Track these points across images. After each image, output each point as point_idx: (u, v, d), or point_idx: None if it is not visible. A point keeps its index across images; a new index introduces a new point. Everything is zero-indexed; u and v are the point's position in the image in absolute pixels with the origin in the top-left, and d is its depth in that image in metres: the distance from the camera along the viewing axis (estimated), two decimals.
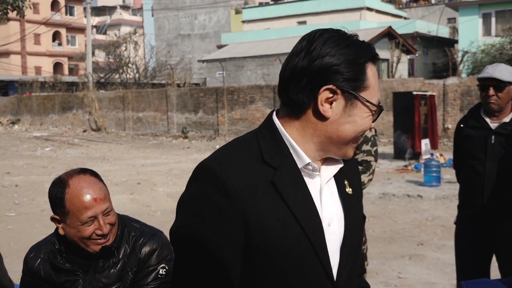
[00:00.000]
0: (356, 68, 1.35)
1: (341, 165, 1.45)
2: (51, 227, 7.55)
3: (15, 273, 2.43)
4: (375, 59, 1.41)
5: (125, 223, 2.14)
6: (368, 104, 1.37)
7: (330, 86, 1.33)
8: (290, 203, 1.33)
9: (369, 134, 3.57)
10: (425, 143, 14.47)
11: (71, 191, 1.95)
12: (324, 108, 1.35)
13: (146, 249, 2.09)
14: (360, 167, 3.55)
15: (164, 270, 2.08)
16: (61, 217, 2.00)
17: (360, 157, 3.55)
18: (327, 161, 1.44)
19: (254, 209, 1.30)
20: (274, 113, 1.43)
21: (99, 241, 1.99)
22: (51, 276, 2.07)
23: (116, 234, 2.06)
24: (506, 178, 3.32)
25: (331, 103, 1.35)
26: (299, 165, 1.37)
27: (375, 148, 3.59)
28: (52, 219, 2.04)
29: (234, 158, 1.35)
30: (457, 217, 3.63)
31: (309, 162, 1.37)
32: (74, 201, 1.94)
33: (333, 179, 1.45)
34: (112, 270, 2.05)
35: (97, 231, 1.97)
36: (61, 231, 2.02)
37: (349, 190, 1.47)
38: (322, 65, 1.33)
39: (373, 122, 1.42)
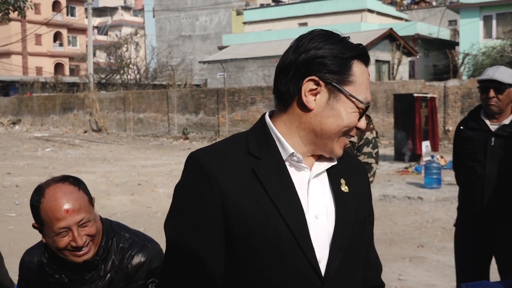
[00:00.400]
0: (340, 62, 1.38)
1: (334, 163, 1.46)
2: None
3: (16, 273, 2.42)
4: (363, 57, 1.43)
5: (114, 233, 2.05)
6: (353, 99, 1.39)
7: (313, 77, 1.37)
8: (270, 191, 1.35)
9: (370, 136, 3.57)
10: (425, 145, 14.47)
11: (45, 201, 1.88)
12: (308, 99, 1.38)
13: (133, 263, 2.00)
14: None
15: (154, 285, 1.99)
16: (39, 226, 1.94)
17: (361, 159, 3.55)
18: (320, 158, 1.45)
19: (233, 195, 1.33)
20: (267, 112, 1.48)
21: (76, 253, 1.90)
22: (41, 286, 2.04)
23: (99, 246, 1.97)
24: (506, 180, 3.32)
25: (315, 95, 1.38)
26: (284, 156, 1.39)
27: (376, 150, 3.59)
28: (34, 226, 1.98)
29: (220, 148, 1.42)
30: (457, 219, 3.63)
31: (293, 152, 1.39)
32: (47, 212, 1.87)
33: (326, 175, 1.46)
34: (99, 283, 1.98)
35: (72, 242, 1.88)
36: (43, 239, 1.97)
37: (344, 188, 1.47)
38: (307, 57, 1.37)
39: (359, 119, 1.42)
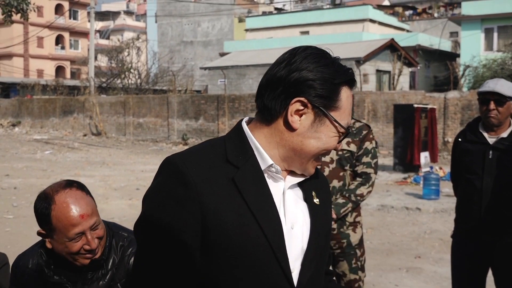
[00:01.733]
0: (330, 87, 1.39)
1: (307, 176, 1.49)
2: None
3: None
4: (351, 83, 1.45)
5: (112, 232, 2.10)
6: (336, 124, 1.41)
7: (302, 99, 1.38)
8: (250, 202, 1.35)
9: (369, 146, 3.57)
10: (424, 156, 14.47)
11: (57, 208, 1.90)
12: (293, 119, 1.39)
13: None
14: (359, 179, 3.55)
15: None
16: (47, 233, 1.96)
17: (360, 169, 3.55)
18: (292, 172, 1.48)
19: (213, 204, 1.33)
20: (244, 119, 1.48)
21: (87, 255, 1.96)
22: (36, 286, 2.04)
23: (104, 246, 2.03)
24: (503, 193, 3.32)
25: (300, 116, 1.39)
26: (262, 167, 1.40)
27: (375, 160, 3.59)
28: (39, 233, 2.00)
29: (198, 155, 1.40)
30: (454, 230, 3.63)
31: (272, 164, 1.41)
32: (61, 219, 1.89)
33: (298, 188, 1.49)
34: (101, 282, 2.03)
35: (85, 246, 1.93)
36: (48, 245, 1.99)
37: (316, 200, 1.50)
38: (299, 77, 1.38)
39: (338, 143, 1.45)
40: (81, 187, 1.99)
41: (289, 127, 1.40)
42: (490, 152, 3.37)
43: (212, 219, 1.33)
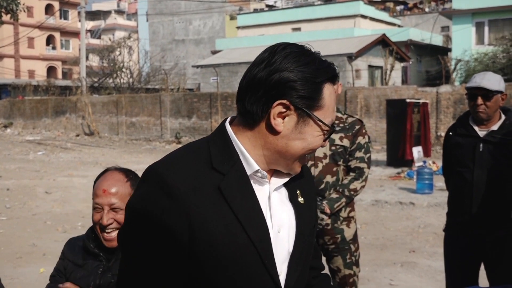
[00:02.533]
0: (312, 87, 1.36)
1: (292, 176, 1.47)
2: (42, 232, 7.55)
3: (6, 277, 2.42)
4: (334, 79, 1.42)
5: None
6: (320, 123, 1.39)
7: (284, 101, 1.34)
8: (236, 210, 1.33)
9: (362, 141, 3.57)
10: (417, 151, 14.51)
11: (101, 178, 2.16)
12: (276, 122, 1.36)
13: None
14: (352, 174, 3.56)
15: None
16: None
17: (353, 163, 3.56)
18: (276, 171, 1.46)
19: (199, 213, 1.30)
20: (228, 120, 1.45)
21: (105, 234, 2.09)
22: (78, 256, 2.20)
23: None
24: (494, 186, 3.33)
25: (283, 118, 1.36)
26: (248, 172, 1.38)
27: (368, 155, 3.59)
28: None
29: (182, 162, 1.37)
30: (446, 224, 3.64)
31: (258, 169, 1.39)
32: (97, 185, 2.13)
33: (283, 187, 1.47)
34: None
35: (101, 220, 2.08)
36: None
37: (301, 199, 1.49)
38: (279, 79, 1.34)
39: (324, 141, 1.43)
40: (127, 174, 2.16)
41: (273, 131, 1.37)
42: (481, 145, 3.37)
43: (199, 230, 1.30)
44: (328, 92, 1.40)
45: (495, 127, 3.38)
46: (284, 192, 1.47)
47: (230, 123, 1.44)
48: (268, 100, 1.35)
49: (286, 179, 1.46)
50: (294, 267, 1.43)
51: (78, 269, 2.17)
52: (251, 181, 1.39)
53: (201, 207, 1.31)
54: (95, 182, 2.17)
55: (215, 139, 1.42)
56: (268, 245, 1.37)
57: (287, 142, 1.38)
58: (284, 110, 1.36)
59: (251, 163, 1.38)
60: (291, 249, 1.44)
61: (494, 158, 3.34)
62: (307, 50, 1.41)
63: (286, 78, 1.34)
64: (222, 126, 1.44)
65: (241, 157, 1.39)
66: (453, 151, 3.53)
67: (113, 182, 2.11)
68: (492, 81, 3.30)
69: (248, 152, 1.39)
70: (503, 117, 3.43)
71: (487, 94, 3.30)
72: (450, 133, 3.59)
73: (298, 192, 1.50)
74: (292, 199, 1.47)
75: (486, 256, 3.41)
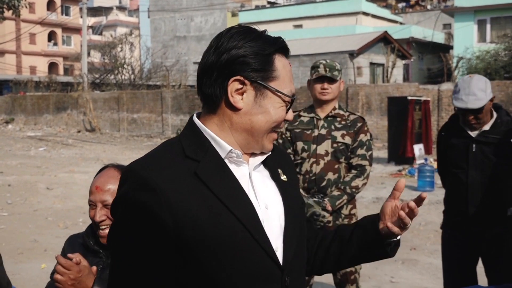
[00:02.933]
0: (262, 59, 1.39)
1: (267, 154, 1.49)
2: (43, 227, 7.53)
3: (7, 273, 2.42)
4: (283, 51, 1.45)
5: None
6: (279, 94, 1.41)
7: (238, 77, 1.38)
8: (216, 191, 1.34)
9: (364, 138, 3.57)
10: (419, 148, 14.50)
11: (97, 175, 2.17)
12: (235, 99, 1.39)
13: None
14: (354, 171, 3.55)
15: None
16: None
17: (355, 161, 3.56)
18: (252, 154, 1.48)
19: (180, 201, 1.31)
20: (195, 114, 1.48)
21: (100, 231, 2.10)
22: (78, 253, 2.20)
23: None
24: (489, 185, 3.32)
25: (242, 94, 1.39)
26: (222, 155, 1.40)
27: (370, 152, 3.59)
28: None
29: (156, 157, 1.40)
30: (443, 222, 3.64)
31: (231, 149, 1.40)
32: (92, 183, 2.16)
33: (263, 168, 1.49)
34: None
35: (94, 217, 2.09)
36: None
37: (283, 177, 1.51)
38: (229, 57, 1.37)
39: (287, 113, 1.45)
40: (121, 169, 2.14)
41: (234, 109, 1.40)
42: (474, 145, 3.34)
43: (182, 217, 1.31)
44: (281, 64, 1.43)
45: (487, 127, 3.35)
46: (265, 171, 1.49)
47: (198, 117, 1.47)
48: (223, 79, 1.39)
49: (262, 157, 1.48)
50: (289, 242, 1.43)
51: None
52: (228, 163, 1.41)
53: (181, 195, 1.32)
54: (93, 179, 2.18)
55: (185, 133, 1.45)
56: (256, 221, 1.37)
57: (250, 118, 1.40)
58: (241, 86, 1.39)
59: (223, 146, 1.41)
60: (283, 225, 1.44)
61: (488, 158, 3.32)
62: (252, 28, 1.44)
63: (235, 54, 1.37)
64: (190, 120, 1.48)
65: (212, 142, 1.41)
66: (447, 152, 3.51)
67: (106, 179, 2.11)
68: (479, 96, 3.19)
69: (218, 136, 1.41)
70: (494, 115, 3.38)
71: (477, 110, 3.23)
72: (443, 134, 3.56)
73: (279, 171, 1.52)
74: (274, 177, 1.49)
75: (484, 253, 3.41)
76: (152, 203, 1.31)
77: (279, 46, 1.43)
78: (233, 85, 1.38)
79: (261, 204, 1.41)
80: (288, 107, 1.44)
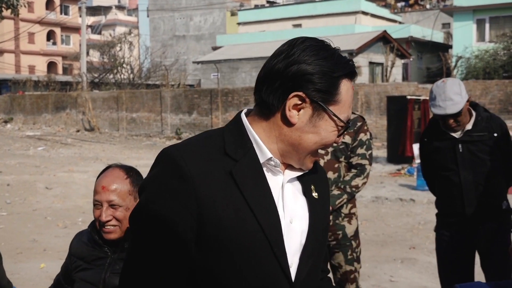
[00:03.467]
0: (329, 81, 1.36)
1: (306, 170, 1.46)
2: (42, 227, 7.54)
3: (6, 272, 2.42)
4: (352, 75, 1.42)
5: None
6: (335, 118, 1.38)
7: (300, 93, 1.35)
8: (247, 195, 1.33)
9: (364, 137, 3.57)
10: (418, 147, 14.48)
11: (100, 176, 2.18)
12: (291, 114, 1.36)
13: None
14: (354, 170, 3.55)
15: None
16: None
17: (355, 160, 3.55)
18: (290, 166, 1.46)
19: (209, 197, 1.31)
20: (244, 111, 1.46)
21: (104, 229, 2.11)
22: (84, 252, 2.22)
23: (126, 231, 2.14)
24: (482, 183, 3.34)
25: (299, 110, 1.37)
26: (261, 160, 1.38)
27: (369, 151, 3.59)
28: None
29: (196, 146, 1.38)
30: (437, 225, 3.62)
31: (271, 157, 1.39)
32: (96, 182, 2.16)
33: (297, 181, 1.47)
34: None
35: (100, 217, 2.11)
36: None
37: (315, 194, 1.48)
38: (297, 71, 1.34)
39: (337, 137, 1.42)
40: (127, 171, 2.17)
41: (287, 122, 1.37)
42: (460, 146, 3.35)
43: (208, 213, 1.30)
44: (346, 88, 1.40)
45: (469, 126, 3.36)
46: (298, 185, 1.47)
47: (247, 115, 1.45)
48: (285, 91, 1.36)
49: (300, 173, 1.45)
50: (305, 260, 1.41)
51: (86, 265, 2.20)
52: (264, 170, 1.39)
53: (211, 190, 1.31)
54: (97, 179, 2.18)
55: (230, 128, 1.43)
56: (279, 234, 1.35)
57: (300, 134, 1.38)
58: (300, 102, 1.36)
59: (264, 151, 1.38)
60: (303, 242, 1.42)
61: (476, 156, 3.34)
62: (327, 44, 1.41)
63: (303, 70, 1.34)
64: (237, 116, 1.45)
65: (254, 145, 1.39)
66: (432, 156, 3.51)
67: (112, 179, 2.12)
68: (456, 100, 3.21)
69: (262, 141, 1.39)
70: (473, 113, 3.39)
71: (456, 114, 3.24)
72: (425, 139, 3.56)
73: (312, 187, 1.49)
74: (306, 193, 1.47)
75: (478, 247, 3.43)
76: (182, 191, 1.31)
77: (349, 70, 1.40)
78: (293, 100, 1.35)
79: (286, 217, 1.39)
80: (340, 132, 1.41)
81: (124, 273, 1.42)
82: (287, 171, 1.44)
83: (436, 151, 3.46)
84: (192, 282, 1.37)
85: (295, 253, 1.40)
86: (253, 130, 1.40)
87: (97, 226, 2.15)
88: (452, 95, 3.20)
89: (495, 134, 3.36)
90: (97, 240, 2.18)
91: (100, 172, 2.21)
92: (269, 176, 1.39)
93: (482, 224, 3.37)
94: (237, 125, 1.42)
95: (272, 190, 1.38)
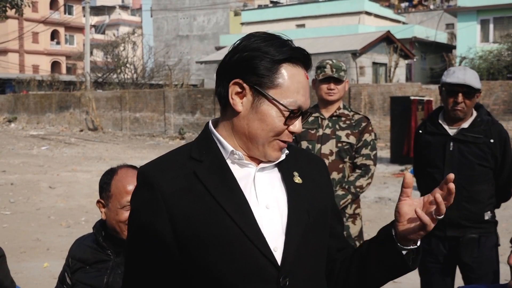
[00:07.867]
0: (267, 65, 1.36)
1: (281, 158, 1.45)
2: (46, 226, 7.54)
3: (11, 271, 2.43)
4: (297, 61, 1.40)
5: None
6: (275, 102, 1.37)
7: (238, 80, 1.37)
8: (212, 189, 1.36)
9: (369, 138, 3.56)
10: None
11: (117, 177, 2.17)
12: (235, 102, 1.38)
13: None
14: (359, 171, 3.54)
15: None
16: (105, 201, 2.20)
17: (359, 160, 3.55)
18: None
19: (176, 200, 1.36)
20: (211, 120, 1.51)
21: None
22: (87, 254, 2.23)
23: None
24: (465, 186, 3.15)
25: (242, 98, 1.38)
26: (225, 156, 1.41)
27: (374, 152, 3.58)
28: (98, 202, 2.25)
29: (165, 159, 1.46)
30: None
31: (232, 150, 1.40)
32: (118, 185, 2.15)
33: (276, 170, 1.47)
34: None
35: None
36: (103, 216, 2.21)
37: (298, 179, 1.47)
38: (237, 59, 1.37)
39: (287, 124, 1.40)
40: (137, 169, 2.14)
41: (234, 112, 1.39)
42: (451, 143, 3.20)
43: (177, 213, 1.36)
44: (289, 73, 1.38)
45: (465, 124, 3.21)
46: (276, 173, 1.47)
47: (216, 121, 1.50)
48: (228, 80, 1.39)
49: (269, 164, 1.45)
50: (289, 242, 1.39)
51: (88, 268, 2.21)
52: (230, 163, 1.41)
53: (177, 192, 1.37)
54: (106, 181, 2.20)
55: (198, 136, 1.49)
56: (250, 219, 1.36)
57: (247, 122, 1.40)
58: (240, 90, 1.38)
59: (226, 147, 1.42)
60: (285, 225, 1.41)
61: (465, 157, 3.18)
62: (276, 36, 1.41)
63: (243, 57, 1.37)
64: (206, 125, 1.50)
65: (218, 144, 1.43)
66: (423, 151, 3.36)
67: (134, 180, 2.13)
68: (474, 78, 3.11)
69: (224, 138, 1.43)
70: (474, 113, 3.26)
71: (469, 91, 3.11)
72: (420, 131, 3.40)
73: (295, 173, 1.48)
74: (286, 179, 1.46)
75: (460, 258, 3.24)
76: (153, 199, 1.37)
77: (290, 55, 1.38)
78: (233, 87, 1.38)
79: (261, 204, 1.40)
80: (286, 117, 1.39)
81: (124, 277, 1.51)
82: (262, 163, 1.45)
83: (427, 146, 3.31)
84: (186, 282, 1.41)
85: (278, 237, 1.39)
86: (215, 131, 1.44)
87: (118, 228, 2.16)
88: (472, 74, 3.14)
89: (492, 140, 3.19)
90: (101, 243, 2.20)
91: (109, 173, 2.22)
92: (236, 168, 1.41)
93: (463, 233, 3.18)
94: (204, 132, 1.48)
95: (241, 181, 1.39)
